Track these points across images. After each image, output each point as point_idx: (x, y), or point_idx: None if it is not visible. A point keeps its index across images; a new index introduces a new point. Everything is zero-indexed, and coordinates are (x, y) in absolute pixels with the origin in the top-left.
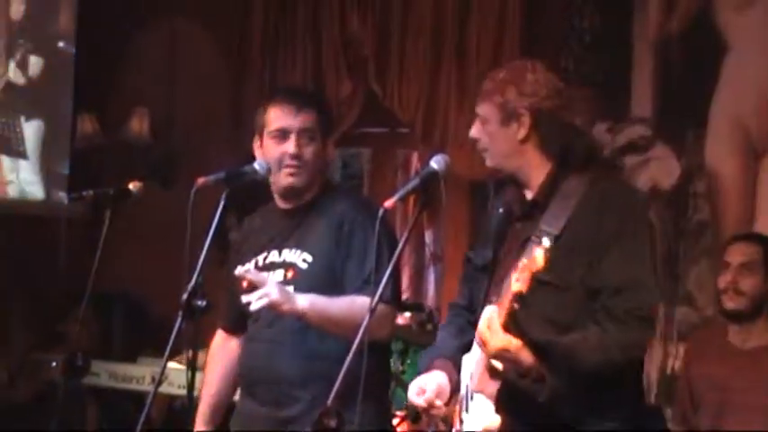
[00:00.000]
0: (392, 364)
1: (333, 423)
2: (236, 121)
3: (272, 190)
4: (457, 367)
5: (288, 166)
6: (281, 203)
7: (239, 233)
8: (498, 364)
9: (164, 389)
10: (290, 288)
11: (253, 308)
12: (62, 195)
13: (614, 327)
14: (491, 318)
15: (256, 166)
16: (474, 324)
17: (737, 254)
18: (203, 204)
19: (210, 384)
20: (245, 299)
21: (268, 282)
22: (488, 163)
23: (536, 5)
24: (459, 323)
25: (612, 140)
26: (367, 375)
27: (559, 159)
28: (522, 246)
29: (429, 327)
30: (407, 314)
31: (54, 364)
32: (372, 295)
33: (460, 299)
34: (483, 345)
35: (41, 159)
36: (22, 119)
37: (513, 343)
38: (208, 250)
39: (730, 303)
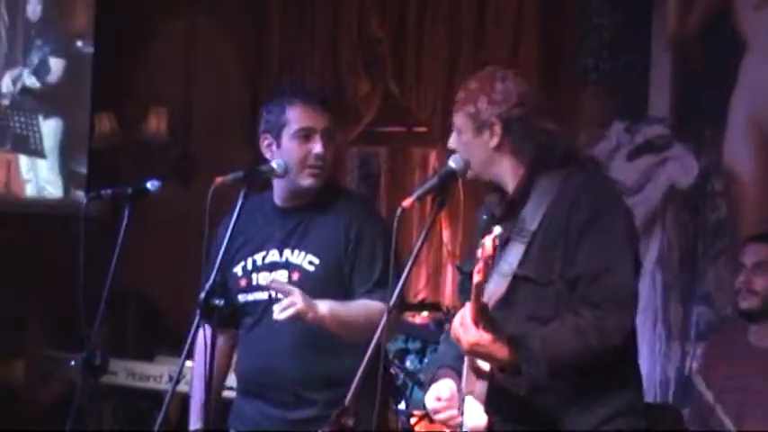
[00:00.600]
0: (410, 364)
1: (350, 422)
2: (253, 118)
3: (280, 187)
4: (459, 376)
5: (313, 166)
6: (281, 201)
7: (222, 226)
8: (484, 364)
9: (181, 387)
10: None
11: (278, 317)
12: (80, 194)
13: (590, 313)
14: (463, 314)
15: (274, 164)
16: None
17: (751, 254)
18: (220, 203)
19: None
20: (241, 298)
21: (294, 291)
22: (468, 174)
23: (554, 4)
24: None
25: (630, 140)
26: (375, 377)
27: (534, 162)
28: (503, 245)
29: (447, 326)
30: (425, 313)
31: (72, 362)
32: (385, 298)
33: (459, 305)
34: (458, 341)
35: (59, 158)
36: (41, 118)
37: (485, 337)
38: (226, 249)
39: (744, 303)
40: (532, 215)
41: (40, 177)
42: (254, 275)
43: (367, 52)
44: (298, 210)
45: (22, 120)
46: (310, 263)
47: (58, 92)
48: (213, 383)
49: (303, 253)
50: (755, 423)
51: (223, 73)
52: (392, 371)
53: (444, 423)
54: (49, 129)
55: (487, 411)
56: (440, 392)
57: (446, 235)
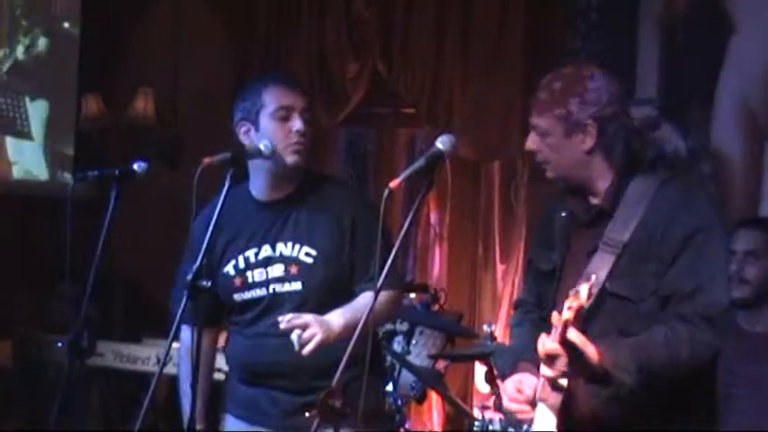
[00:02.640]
0: (397, 345)
1: (338, 403)
2: None
3: (259, 179)
4: (537, 368)
5: (296, 143)
6: (262, 195)
7: (199, 224)
8: (564, 382)
9: (168, 369)
10: (297, 284)
11: (305, 353)
12: (67, 176)
13: (683, 327)
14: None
15: (261, 146)
16: (546, 320)
17: (742, 241)
18: (207, 185)
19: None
20: (237, 297)
21: (311, 323)
22: (550, 174)
23: None
24: (532, 321)
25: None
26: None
27: (625, 165)
28: (589, 255)
29: (435, 307)
30: (412, 295)
31: (59, 344)
32: (389, 285)
33: (529, 296)
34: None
35: (46, 140)
36: (27, 99)
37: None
38: (213, 231)
39: (736, 292)
40: (623, 225)
41: (27, 159)
42: (248, 273)
43: (354, 34)
44: (282, 202)
45: (8, 101)
46: (307, 254)
47: (45, 73)
48: (200, 383)
49: (298, 245)
50: (742, 406)
51: (210, 54)
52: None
53: (512, 416)
54: (36, 110)
55: (559, 425)
56: (522, 386)
57: (433, 216)
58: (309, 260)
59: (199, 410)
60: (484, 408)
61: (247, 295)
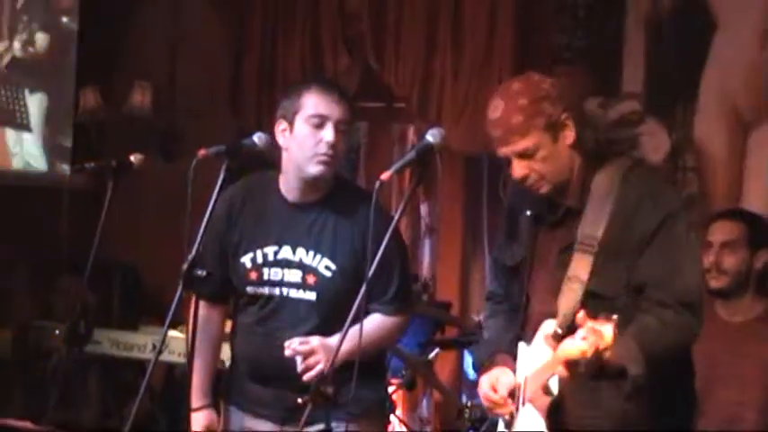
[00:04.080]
0: None
1: (329, 390)
2: (236, 95)
3: (289, 179)
4: (515, 360)
5: (323, 154)
6: (291, 195)
7: (226, 204)
8: (554, 384)
9: (164, 357)
10: (312, 294)
11: (306, 379)
12: (65, 167)
13: (666, 313)
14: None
15: (255, 138)
16: (516, 312)
17: (719, 232)
18: (203, 177)
19: (203, 356)
20: (250, 290)
21: (316, 349)
22: (545, 189)
23: None
24: (504, 313)
25: (604, 115)
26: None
27: (592, 158)
28: (561, 253)
29: (425, 297)
30: None
31: (57, 332)
32: (400, 310)
33: (497, 288)
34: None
35: (45, 132)
36: (27, 92)
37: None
38: (208, 222)
39: (714, 282)
40: (594, 222)
41: (26, 150)
42: (264, 270)
43: (347, 29)
44: (310, 207)
45: (8, 94)
46: (327, 267)
47: (44, 67)
48: (211, 357)
49: (319, 256)
50: (723, 395)
51: (207, 48)
52: None
53: (490, 412)
54: (35, 103)
55: (549, 427)
56: (498, 384)
57: (423, 208)
58: (328, 273)
59: (203, 385)
60: (472, 394)
61: (260, 290)
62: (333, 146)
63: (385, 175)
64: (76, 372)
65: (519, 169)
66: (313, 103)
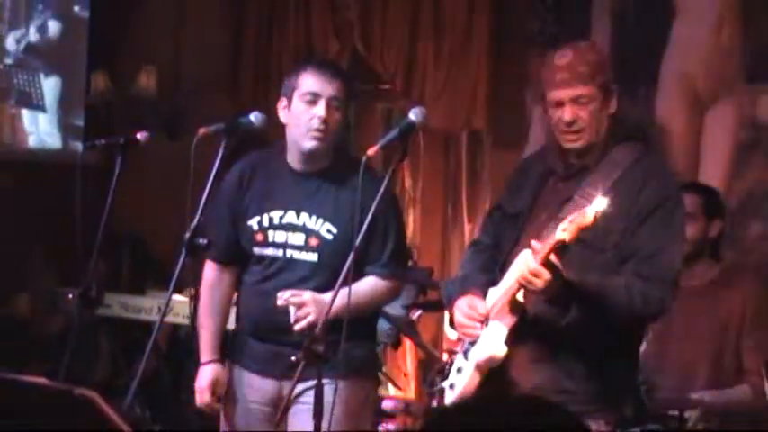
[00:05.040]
0: None
1: (320, 348)
2: (235, 77)
3: (293, 150)
4: (484, 296)
5: (316, 129)
6: (296, 165)
7: (238, 173)
8: (520, 298)
9: (169, 319)
10: (314, 255)
11: (297, 329)
12: (77, 145)
13: (639, 282)
14: (527, 258)
15: (252, 117)
16: (498, 262)
17: None
18: (204, 153)
19: (214, 315)
20: (257, 251)
21: (307, 301)
22: (580, 144)
23: None
24: (484, 259)
25: None
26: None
27: (616, 128)
28: (563, 203)
29: (409, 263)
30: None
31: (70, 296)
32: (394, 273)
33: (486, 238)
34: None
35: (59, 112)
36: (42, 76)
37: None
38: (209, 194)
39: None
40: (600, 181)
41: (41, 130)
42: (270, 232)
43: (336, 17)
44: (314, 175)
45: (25, 77)
46: (329, 231)
47: (57, 52)
48: (222, 316)
49: (321, 220)
50: (676, 354)
51: (208, 35)
52: None
53: (462, 330)
54: (50, 86)
55: (508, 342)
56: (476, 306)
57: (407, 182)
58: (329, 236)
59: (213, 341)
60: (451, 352)
61: (266, 252)
62: (324, 121)
63: (371, 151)
64: (88, 332)
65: (570, 112)
66: (307, 81)
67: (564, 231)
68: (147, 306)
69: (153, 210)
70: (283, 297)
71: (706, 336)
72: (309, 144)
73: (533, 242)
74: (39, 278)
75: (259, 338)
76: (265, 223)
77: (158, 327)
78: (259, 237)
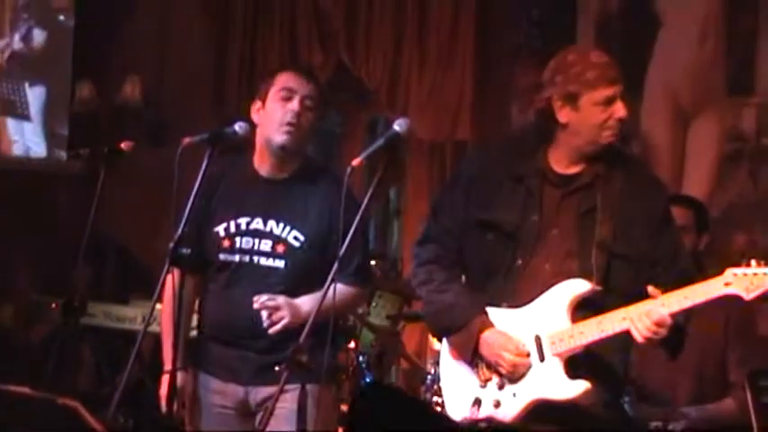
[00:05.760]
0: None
1: (304, 359)
2: (219, 88)
3: (261, 155)
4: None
5: (288, 123)
6: (264, 171)
7: (205, 182)
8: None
9: (152, 328)
10: (281, 262)
11: (271, 332)
12: (62, 153)
13: None
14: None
15: (236, 127)
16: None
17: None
18: (188, 162)
19: (176, 322)
20: (222, 257)
21: (282, 306)
22: (614, 138)
23: None
24: (459, 281)
25: None
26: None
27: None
28: (583, 217)
29: (392, 274)
30: (373, 262)
31: (54, 305)
32: (362, 283)
33: (445, 252)
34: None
35: (43, 121)
36: (26, 84)
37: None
38: (193, 204)
39: None
40: (609, 195)
41: (26, 138)
42: (237, 238)
43: (321, 27)
44: (281, 182)
45: (9, 86)
46: (296, 238)
47: (42, 61)
48: (182, 323)
49: (289, 227)
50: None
51: (192, 46)
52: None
53: (511, 369)
54: (34, 94)
55: (576, 377)
56: (518, 347)
57: (392, 192)
58: (297, 244)
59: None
60: (436, 363)
61: (231, 258)
62: (297, 115)
63: (356, 161)
64: (72, 341)
65: (625, 111)
66: (283, 78)
67: (664, 307)
68: (130, 315)
69: (137, 219)
70: (259, 301)
71: (689, 348)
72: (281, 138)
73: (653, 290)
74: (22, 287)
75: (224, 344)
76: (232, 229)
77: (142, 336)
78: (226, 243)
